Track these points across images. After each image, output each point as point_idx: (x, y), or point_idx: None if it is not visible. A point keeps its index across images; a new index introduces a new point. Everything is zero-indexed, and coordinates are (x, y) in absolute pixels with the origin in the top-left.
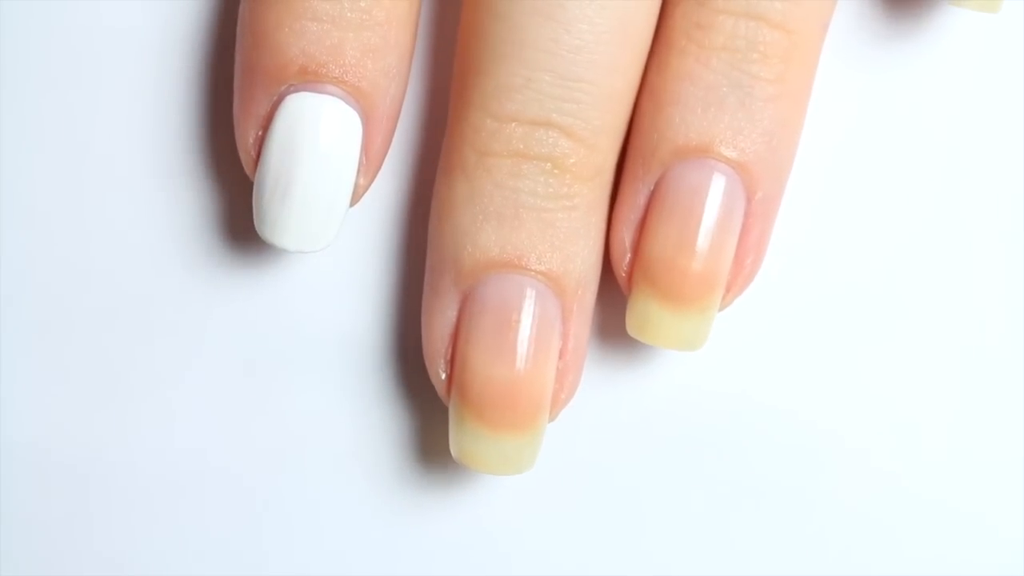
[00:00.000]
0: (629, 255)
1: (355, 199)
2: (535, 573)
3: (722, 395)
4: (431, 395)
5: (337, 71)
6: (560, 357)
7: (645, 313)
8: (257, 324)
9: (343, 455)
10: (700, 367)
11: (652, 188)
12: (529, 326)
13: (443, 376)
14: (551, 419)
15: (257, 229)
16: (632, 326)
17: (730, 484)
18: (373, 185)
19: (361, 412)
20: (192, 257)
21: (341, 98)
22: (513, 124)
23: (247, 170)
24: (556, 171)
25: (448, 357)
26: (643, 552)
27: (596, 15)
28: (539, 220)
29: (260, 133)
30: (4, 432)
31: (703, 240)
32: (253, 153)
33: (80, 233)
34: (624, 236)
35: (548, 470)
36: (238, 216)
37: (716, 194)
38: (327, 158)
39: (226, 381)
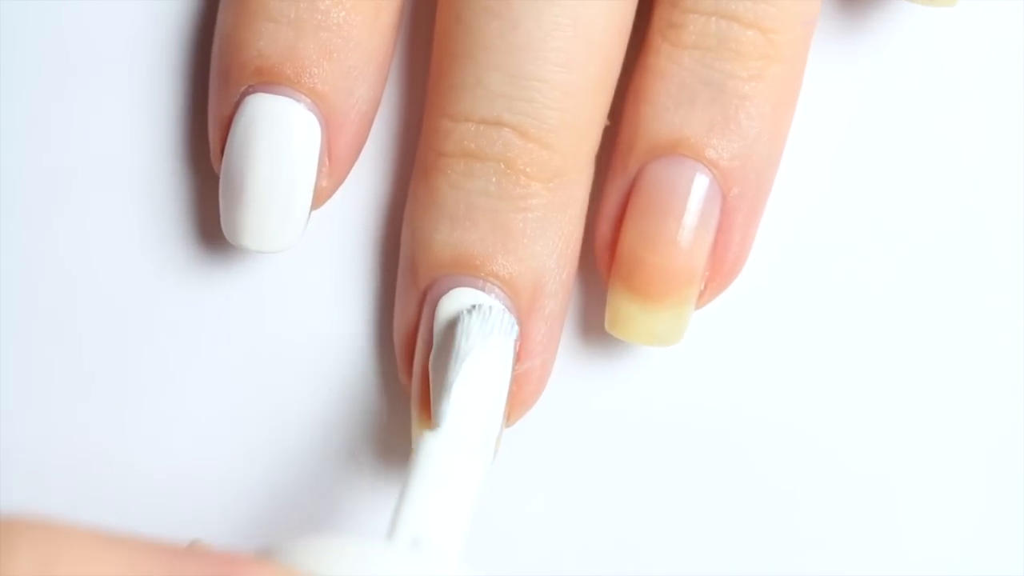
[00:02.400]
0: (608, 251)
1: (319, 201)
2: (531, 572)
3: (718, 395)
4: None
5: (291, 72)
6: (518, 359)
7: (617, 308)
8: (255, 324)
9: (338, 451)
10: (696, 367)
11: (629, 184)
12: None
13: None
14: (510, 424)
15: (222, 229)
16: (608, 321)
17: (725, 485)
18: (364, 185)
19: (353, 409)
20: (190, 257)
21: (297, 100)
22: (467, 124)
23: (216, 170)
24: (508, 171)
25: (408, 356)
26: (639, 552)
27: (543, 11)
28: (491, 221)
29: (224, 134)
30: (4, 432)
31: (673, 236)
32: (218, 153)
33: (78, 233)
34: (605, 233)
35: (537, 470)
36: None
37: (686, 190)
38: (280, 159)
39: (225, 381)
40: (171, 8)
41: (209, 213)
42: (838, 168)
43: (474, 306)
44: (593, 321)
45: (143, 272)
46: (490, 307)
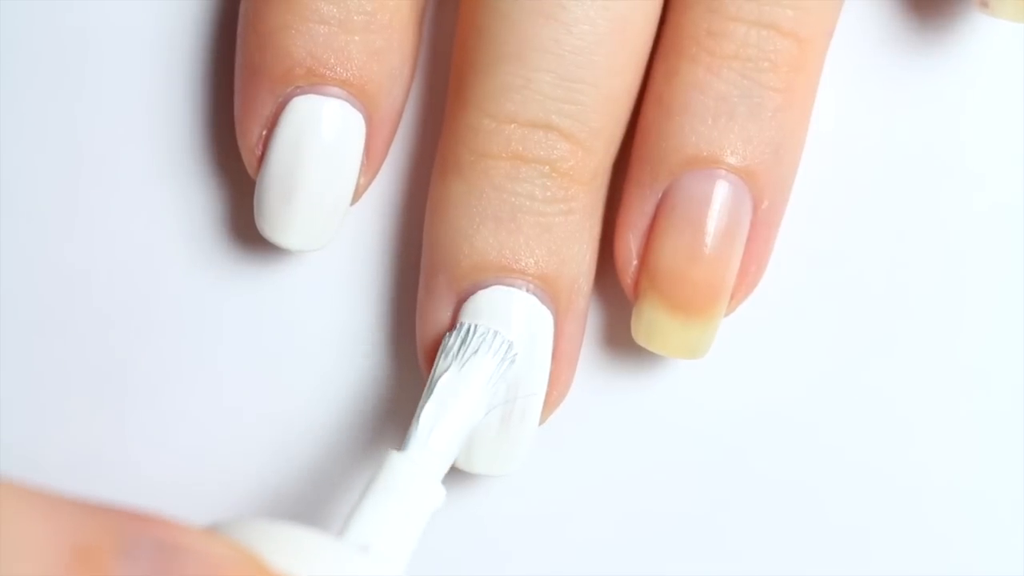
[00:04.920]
0: (635, 262)
1: (356, 198)
2: (533, 573)
3: (723, 400)
4: None
5: (344, 74)
6: (553, 359)
7: (652, 322)
8: (255, 323)
9: (345, 455)
10: (702, 372)
11: (660, 196)
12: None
13: None
14: (541, 422)
15: (259, 228)
16: (639, 334)
17: (731, 489)
18: (373, 184)
19: (360, 411)
20: (191, 256)
21: (346, 100)
22: (512, 125)
23: (250, 170)
24: (554, 174)
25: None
26: (645, 558)
27: (598, 16)
28: (536, 224)
29: (264, 133)
30: (4, 432)
31: (712, 251)
32: (257, 153)
33: (80, 232)
34: (631, 243)
35: (547, 473)
36: (237, 215)
37: (725, 205)
38: (332, 159)
39: (227, 381)
40: (179, 7)
41: (217, 209)
42: (836, 175)
43: (460, 324)
44: (599, 325)
45: (146, 273)
46: (475, 326)
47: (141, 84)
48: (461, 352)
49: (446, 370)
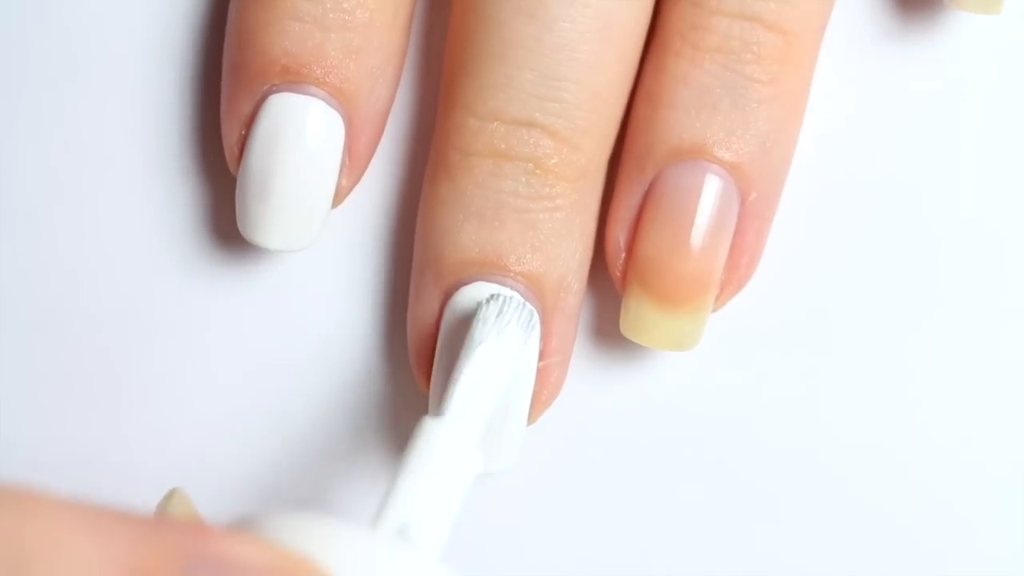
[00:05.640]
0: (623, 255)
1: (338, 200)
2: (533, 573)
3: (719, 396)
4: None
5: (319, 72)
6: (541, 357)
7: (638, 313)
8: (254, 323)
9: (341, 453)
10: (697, 367)
11: (646, 189)
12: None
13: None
14: (531, 421)
15: (239, 228)
16: (625, 326)
17: (726, 485)
18: (369, 184)
19: (357, 410)
20: (189, 256)
21: (323, 99)
22: (495, 123)
23: (231, 169)
24: (538, 171)
25: (426, 356)
26: (640, 553)
27: (578, 14)
28: (520, 221)
29: (243, 132)
30: (4, 432)
31: (696, 242)
32: (236, 152)
33: (78, 233)
34: (618, 236)
35: (541, 470)
36: (234, 214)
37: (709, 196)
38: (308, 159)
39: (225, 380)
40: (173, 5)
41: (217, 209)
42: (833, 170)
43: (492, 295)
44: (594, 321)
45: (145, 273)
46: (509, 297)
47: (134, 85)
48: (498, 322)
49: (484, 339)
